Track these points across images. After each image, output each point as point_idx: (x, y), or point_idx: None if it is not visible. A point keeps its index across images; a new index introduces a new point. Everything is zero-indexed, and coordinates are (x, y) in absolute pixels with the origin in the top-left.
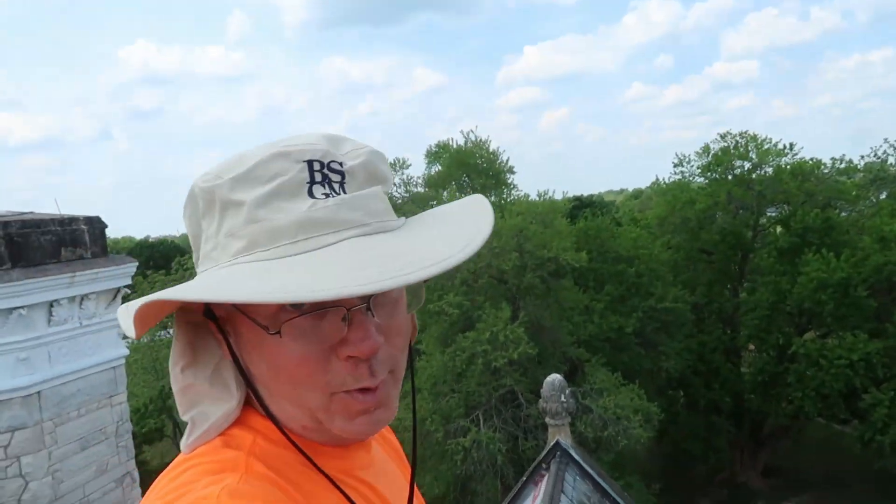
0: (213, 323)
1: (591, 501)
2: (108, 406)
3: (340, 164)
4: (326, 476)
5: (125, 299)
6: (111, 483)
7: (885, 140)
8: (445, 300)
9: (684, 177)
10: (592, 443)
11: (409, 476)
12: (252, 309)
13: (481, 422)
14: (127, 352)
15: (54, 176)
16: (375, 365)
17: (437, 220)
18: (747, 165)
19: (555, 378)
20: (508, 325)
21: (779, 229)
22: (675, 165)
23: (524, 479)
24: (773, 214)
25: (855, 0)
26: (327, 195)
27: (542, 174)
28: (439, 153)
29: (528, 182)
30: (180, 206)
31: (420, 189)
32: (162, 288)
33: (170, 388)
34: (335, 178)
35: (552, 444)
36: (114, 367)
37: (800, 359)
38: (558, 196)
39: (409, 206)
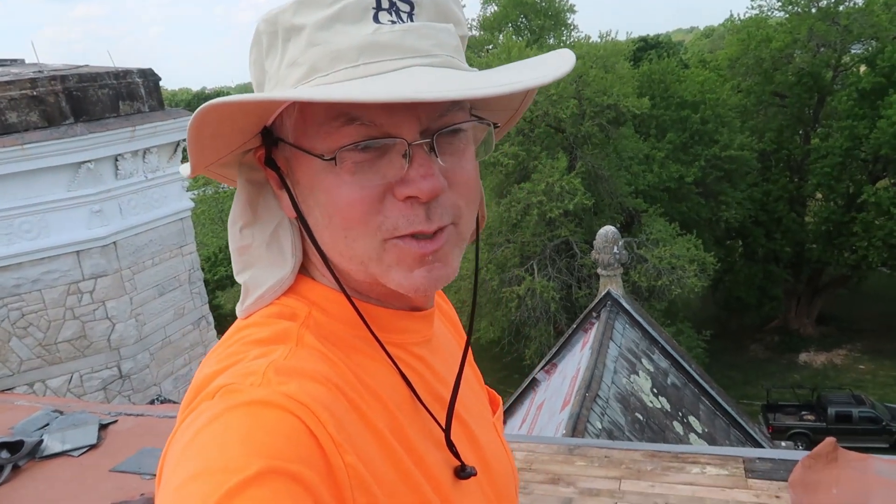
0: (275, 172)
1: (639, 348)
2: (179, 255)
3: None
4: (385, 350)
5: (185, 153)
6: (189, 325)
7: None
8: (501, 150)
9: (762, 12)
10: (646, 291)
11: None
12: (310, 140)
13: (535, 271)
14: (192, 204)
15: (104, 25)
16: (434, 209)
17: (514, 65)
18: None
19: (608, 230)
20: (565, 175)
21: (862, 69)
22: None
23: (574, 326)
24: (858, 52)
25: None
26: (394, 23)
27: (606, 12)
28: None
29: (590, 22)
30: (235, 54)
31: (475, 32)
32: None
33: None
34: (404, 7)
35: (603, 293)
36: (181, 219)
37: (869, 207)
38: (622, 37)
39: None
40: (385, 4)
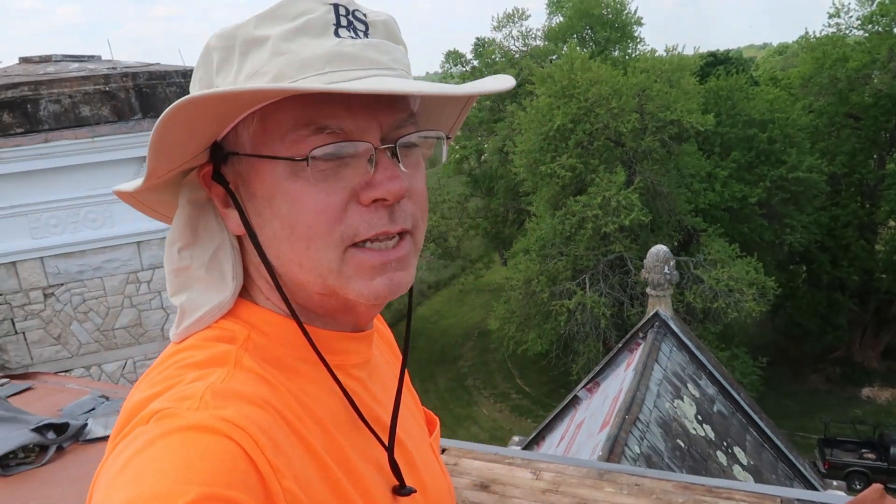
0: (223, 187)
1: (685, 372)
2: None
3: (364, 14)
4: (332, 372)
5: None
6: None
7: None
8: (558, 162)
9: (840, 30)
10: (701, 313)
11: (398, 370)
12: (274, 150)
13: (587, 285)
14: None
15: (182, 24)
16: (397, 212)
17: (463, 86)
18: None
19: (659, 248)
20: (622, 189)
21: None
22: (831, 16)
23: (620, 345)
24: None
25: None
26: (354, 38)
27: (676, 26)
28: (562, 2)
29: (658, 36)
30: None
31: (539, 43)
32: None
33: None
34: (360, 26)
35: (651, 314)
36: None
37: None
38: (689, 52)
39: (527, 60)
40: (343, 22)
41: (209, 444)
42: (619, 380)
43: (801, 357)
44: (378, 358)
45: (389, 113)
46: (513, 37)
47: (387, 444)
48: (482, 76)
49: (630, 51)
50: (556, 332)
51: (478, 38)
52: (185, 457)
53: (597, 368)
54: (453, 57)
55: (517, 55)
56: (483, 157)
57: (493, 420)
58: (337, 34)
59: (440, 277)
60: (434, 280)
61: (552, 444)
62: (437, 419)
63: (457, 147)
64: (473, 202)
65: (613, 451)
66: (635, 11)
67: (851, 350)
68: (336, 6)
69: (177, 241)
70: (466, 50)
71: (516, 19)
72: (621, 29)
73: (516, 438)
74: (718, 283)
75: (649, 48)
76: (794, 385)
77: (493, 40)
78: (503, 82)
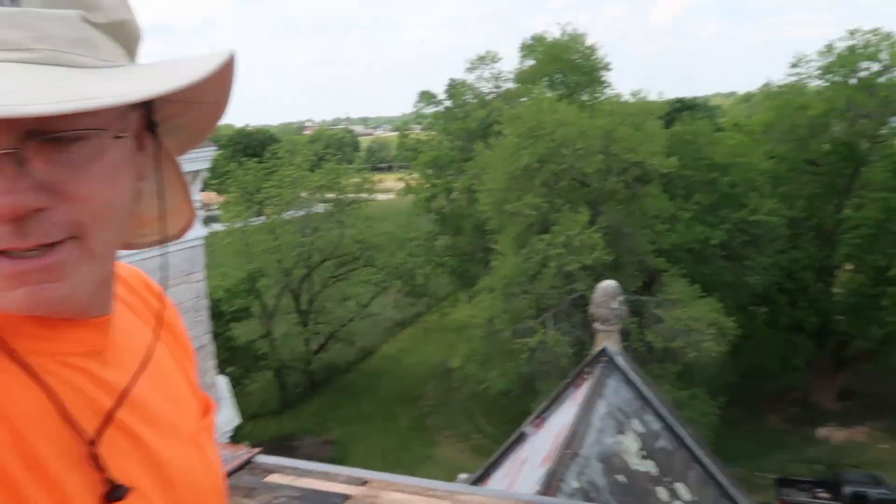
0: None
1: (630, 408)
2: (186, 283)
3: None
4: (16, 360)
5: (205, 182)
6: None
7: None
8: (523, 201)
9: (800, 79)
10: (661, 353)
11: (185, 362)
12: None
13: (550, 324)
14: (205, 232)
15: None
16: (29, 225)
17: (165, 65)
18: (875, 67)
19: (608, 284)
20: (586, 229)
21: None
22: (792, 66)
23: (567, 381)
24: None
25: None
26: None
27: (649, 73)
28: (533, 47)
29: (631, 81)
30: (282, 96)
31: (511, 85)
32: (254, 175)
33: (258, 270)
34: None
35: (599, 349)
36: (192, 247)
37: None
38: (654, 97)
39: (498, 102)
40: None
41: None
42: (564, 416)
43: (760, 398)
44: (134, 345)
45: None
46: (485, 79)
47: (92, 438)
48: (454, 116)
49: (598, 95)
50: (517, 371)
51: (451, 80)
52: None
53: (544, 404)
54: (427, 97)
55: (489, 96)
56: (452, 195)
57: (453, 460)
58: None
59: (406, 315)
60: (400, 318)
61: (497, 480)
62: (214, 404)
63: (426, 185)
64: (442, 240)
65: (550, 485)
66: (604, 57)
67: (809, 391)
68: None
69: None
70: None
71: (489, 62)
72: (590, 74)
73: (463, 476)
74: (679, 322)
75: (616, 92)
76: (752, 425)
77: (465, 82)
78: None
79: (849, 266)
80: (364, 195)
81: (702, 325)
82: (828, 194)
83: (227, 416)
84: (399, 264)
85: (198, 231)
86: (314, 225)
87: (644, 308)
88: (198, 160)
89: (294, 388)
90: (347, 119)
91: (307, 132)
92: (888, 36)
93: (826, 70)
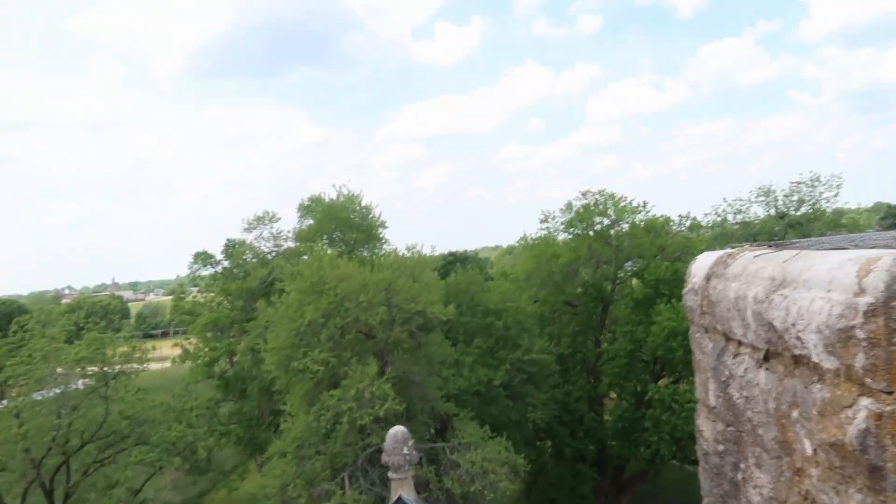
0: None
1: None
2: None
3: None
4: None
5: None
6: None
7: (724, 199)
8: (310, 357)
9: (550, 232)
10: (460, 498)
11: None
12: None
13: (347, 484)
14: None
15: None
16: None
17: None
18: (606, 221)
19: (397, 429)
20: (375, 380)
21: (634, 282)
22: (542, 221)
23: None
24: (630, 267)
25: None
26: None
27: (424, 230)
28: (311, 207)
29: (409, 238)
30: (35, 264)
31: (290, 244)
32: None
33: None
34: None
35: (395, 499)
36: None
37: (655, 404)
38: (427, 251)
39: (279, 260)
40: None
41: None
42: None
43: None
44: None
45: None
46: (263, 238)
47: None
48: (234, 276)
49: (377, 250)
50: None
51: (228, 240)
52: None
53: None
54: (203, 257)
55: (270, 255)
56: (235, 357)
57: None
58: None
59: (187, 496)
60: (180, 500)
61: None
62: None
63: (206, 349)
64: (226, 406)
65: None
66: (379, 216)
67: None
68: None
69: None
70: (217, 251)
71: (267, 221)
72: (368, 231)
73: None
74: (474, 466)
75: (394, 248)
76: None
77: (244, 241)
78: None
79: (612, 394)
80: (134, 365)
81: (495, 465)
82: (586, 331)
83: None
84: (177, 438)
85: None
86: (73, 403)
87: (440, 455)
88: None
89: None
90: (114, 284)
91: (65, 300)
92: (612, 196)
93: (569, 224)
